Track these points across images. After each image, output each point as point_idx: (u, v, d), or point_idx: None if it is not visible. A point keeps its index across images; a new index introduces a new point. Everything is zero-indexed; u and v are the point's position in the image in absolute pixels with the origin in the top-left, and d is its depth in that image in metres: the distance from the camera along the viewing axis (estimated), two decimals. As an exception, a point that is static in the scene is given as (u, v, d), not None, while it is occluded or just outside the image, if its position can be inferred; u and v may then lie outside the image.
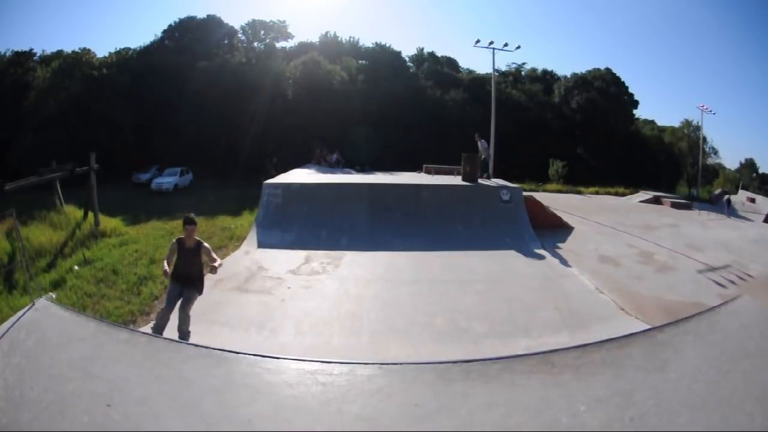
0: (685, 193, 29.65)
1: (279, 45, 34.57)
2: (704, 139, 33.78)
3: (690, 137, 35.80)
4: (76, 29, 63.14)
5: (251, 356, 3.34)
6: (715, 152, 39.69)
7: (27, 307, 3.73)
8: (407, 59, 36.44)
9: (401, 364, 3.35)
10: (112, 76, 28.62)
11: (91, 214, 11.86)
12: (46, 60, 29.95)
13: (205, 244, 4.96)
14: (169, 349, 3.40)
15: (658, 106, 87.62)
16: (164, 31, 33.74)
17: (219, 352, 3.42)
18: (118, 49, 32.19)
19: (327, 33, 35.86)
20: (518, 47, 21.55)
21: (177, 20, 33.88)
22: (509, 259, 8.34)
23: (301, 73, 29.30)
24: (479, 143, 13.81)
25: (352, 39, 35.75)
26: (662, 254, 9.37)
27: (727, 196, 22.10)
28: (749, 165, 47.45)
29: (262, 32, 34.71)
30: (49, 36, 67.11)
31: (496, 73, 25.24)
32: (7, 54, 30.08)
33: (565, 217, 12.02)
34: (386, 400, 2.83)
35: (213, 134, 27.20)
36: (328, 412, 2.72)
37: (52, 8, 58.83)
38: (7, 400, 2.62)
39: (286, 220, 9.62)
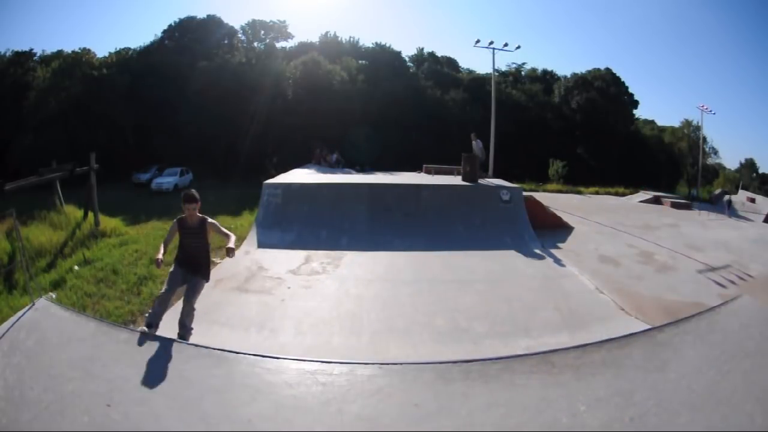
0: (685, 193, 29.64)
1: (279, 45, 34.64)
2: (704, 139, 33.80)
3: (690, 137, 35.84)
4: (76, 29, 63.24)
5: (251, 356, 3.35)
6: (715, 152, 39.77)
7: (27, 307, 3.74)
8: (407, 59, 36.48)
9: (401, 364, 3.35)
10: (112, 76, 28.65)
11: (91, 214, 11.86)
12: (46, 60, 29.97)
13: (211, 220, 4.44)
14: (169, 349, 3.40)
15: (658, 106, 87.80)
16: (164, 31, 33.81)
17: (219, 352, 3.42)
18: (118, 49, 32.28)
19: (327, 33, 35.92)
20: (518, 47, 21.60)
21: (177, 20, 33.97)
22: (509, 259, 8.34)
23: (301, 73, 29.31)
24: (474, 143, 13.81)
25: (352, 39, 35.80)
26: (662, 254, 9.37)
27: (728, 197, 22.10)
28: (749, 165, 47.49)
29: (262, 32, 34.74)
30: (49, 36, 67.22)
31: (496, 73, 25.25)
32: (7, 54, 30.12)
33: (565, 217, 12.02)
34: (386, 400, 2.83)
35: (213, 134, 27.22)
36: (328, 412, 2.72)
37: (52, 8, 58.95)
38: (7, 400, 2.63)
39: (286, 220, 9.62)
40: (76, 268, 8.10)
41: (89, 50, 30.25)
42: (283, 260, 7.72)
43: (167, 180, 23.43)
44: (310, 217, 9.64)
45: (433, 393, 2.91)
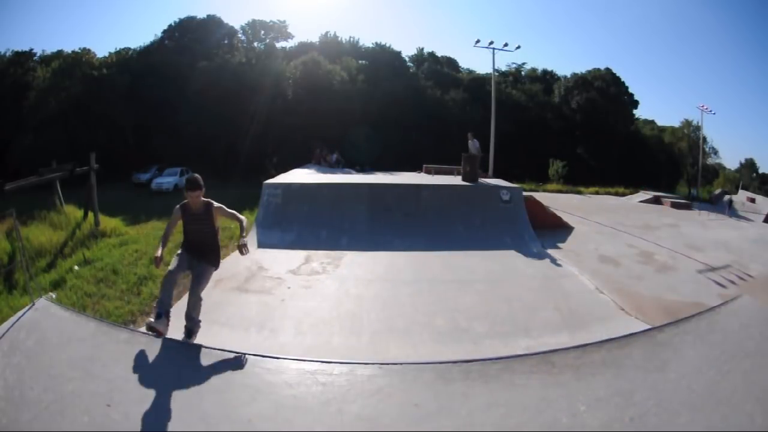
0: (685, 193, 29.65)
1: (279, 45, 34.63)
2: (704, 139, 33.80)
3: (690, 137, 35.82)
4: (76, 29, 63.25)
5: (251, 356, 3.35)
6: (715, 152, 39.75)
7: (27, 307, 3.74)
8: (407, 59, 36.48)
9: (401, 364, 3.35)
10: (112, 76, 28.65)
11: (91, 214, 11.86)
12: (46, 60, 29.97)
13: (217, 204, 4.13)
14: (169, 349, 3.40)
15: (658, 106, 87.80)
16: (164, 31, 33.81)
17: (219, 352, 3.43)
18: (118, 49, 32.28)
19: (327, 33, 35.92)
20: (518, 47, 21.60)
21: (177, 20, 33.97)
22: (509, 259, 8.34)
23: (301, 73, 29.31)
24: (470, 142, 13.81)
25: (352, 39, 35.80)
26: (662, 254, 9.37)
27: (728, 197, 22.12)
28: (749, 165, 47.49)
29: (262, 32, 34.73)
30: (49, 36, 67.23)
31: (496, 73, 25.25)
32: (7, 54, 30.12)
33: (565, 217, 12.02)
34: (386, 400, 2.83)
35: (213, 134, 27.22)
36: (328, 412, 2.72)
37: (52, 8, 58.95)
38: (7, 400, 2.63)
39: (286, 220, 9.62)
40: (76, 268, 8.10)
41: (89, 50, 30.26)
42: (283, 260, 7.72)
43: (167, 180, 23.44)
44: (310, 217, 9.64)
45: (433, 393, 2.91)
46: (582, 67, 57.80)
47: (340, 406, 2.77)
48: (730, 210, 18.74)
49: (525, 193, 11.33)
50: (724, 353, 3.19)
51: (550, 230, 10.63)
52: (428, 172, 17.23)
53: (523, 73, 39.81)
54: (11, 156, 24.74)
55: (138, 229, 12.21)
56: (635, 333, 3.84)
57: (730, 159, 69.62)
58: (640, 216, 14.42)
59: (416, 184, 11.22)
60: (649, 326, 4.59)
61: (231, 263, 7.37)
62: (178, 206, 4.08)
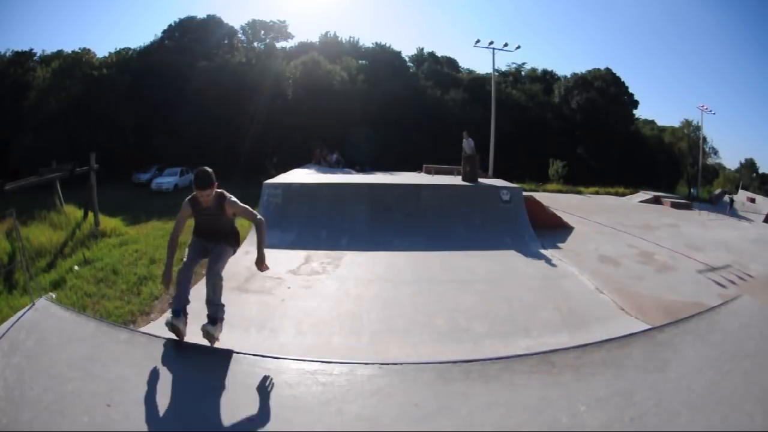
0: (685, 193, 29.65)
1: (279, 45, 34.67)
2: (704, 139, 33.81)
3: (690, 137, 35.82)
4: (76, 29, 63.24)
5: (251, 356, 3.34)
6: (715, 152, 39.77)
7: (27, 307, 3.73)
8: (407, 59, 36.50)
9: (401, 364, 3.35)
10: (112, 76, 28.66)
11: (91, 214, 11.86)
12: (46, 60, 29.98)
13: (230, 198, 3.65)
14: (169, 349, 3.40)
15: (658, 106, 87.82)
16: (164, 31, 33.82)
17: (219, 351, 3.42)
18: (118, 49, 32.30)
19: (327, 33, 35.94)
20: (518, 47, 21.65)
21: (177, 20, 33.99)
22: (509, 259, 8.34)
23: (301, 73, 29.32)
24: (465, 141, 13.80)
25: (352, 39, 35.82)
26: (662, 254, 9.37)
27: (729, 196, 22.14)
28: (749, 165, 47.48)
29: (262, 32, 34.76)
30: (49, 36, 67.23)
31: (496, 73, 25.27)
32: (7, 54, 30.13)
33: (565, 217, 12.02)
34: (386, 400, 2.83)
35: (213, 134, 27.22)
36: (328, 412, 2.72)
37: (52, 8, 58.92)
38: (7, 400, 2.63)
39: (286, 220, 9.61)
40: (76, 268, 8.10)
41: (89, 50, 30.29)
42: (283, 260, 7.71)
43: (167, 180, 23.45)
44: (310, 217, 9.64)
45: (433, 393, 2.91)
46: (582, 67, 57.80)
47: (340, 406, 2.77)
48: (731, 209, 18.77)
49: (525, 193, 11.33)
50: (724, 353, 3.19)
51: (550, 230, 10.63)
52: (428, 172, 17.24)
53: (523, 73, 39.81)
54: (11, 156, 24.75)
55: (138, 229, 12.21)
56: (635, 333, 3.83)
57: (730, 159, 69.72)
58: (640, 216, 14.42)
59: (416, 184, 11.22)
60: (649, 326, 4.59)
61: (231, 263, 7.34)
62: (186, 200, 3.66)
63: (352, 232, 9.32)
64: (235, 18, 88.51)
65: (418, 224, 9.66)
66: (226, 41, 33.58)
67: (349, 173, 18.41)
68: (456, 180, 12.55)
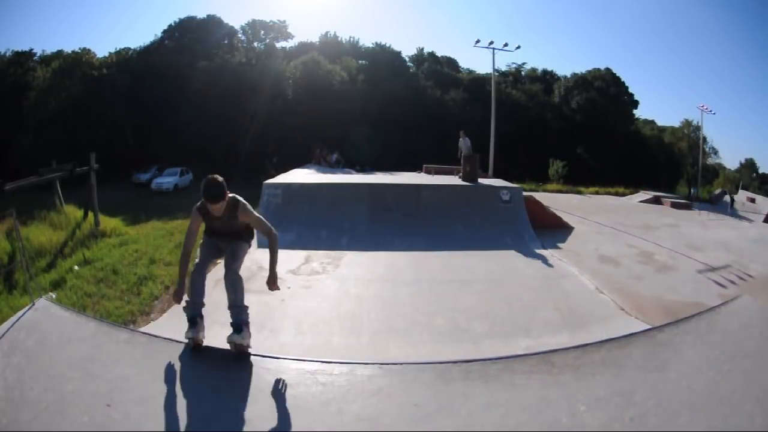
0: (685, 193, 29.65)
1: (279, 45, 34.70)
2: (704, 139, 33.79)
3: (690, 137, 35.80)
4: (76, 29, 63.27)
5: (251, 356, 3.34)
6: (715, 152, 39.74)
7: (27, 307, 3.73)
8: (407, 59, 36.52)
9: (401, 364, 3.35)
10: (112, 76, 28.68)
11: (91, 214, 11.86)
12: (46, 60, 30.00)
13: (244, 206, 3.37)
14: (169, 349, 3.40)
15: (658, 106, 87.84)
16: (164, 31, 33.86)
17: (219, 352, 3.42)
18: (118, 49, 32.34)
19: (327, 33, 35.97)
20: (518, 47, 21.64)
21: (177, 20, 34.02)
22: (509, 259, 8.34)
23: (301, 73, 29.33)
24: (461, 140, 13.82)
25: (352, 39, 35.84)
26: (662, 254, 9.37)
27: (730, 195, 22.19)
28: (749, 165, 47.50)
29: (262, 32, 34.77)
30: (49, 36, 67.27)
31: (496, 73, 25.26)
32: (7, 54, 30.15)
33: (565, 217, 12.02)
34: (386, 400, 2.83)
35: (213, 134, 27.24)
36: (328, 412, 2.72)
37: (52, 8, 58.95)
38: (7, 400, 2.62)
39: (286, 220, 9.60)
40: (76, 268, 8.11)
41: (89, 50, 30.31)
42: (283, 260, 7.64)
43: (167, 180, 23.46)
44: (310, 217, 9.64)
45: (433, 393, 2.91)
46: (582, 67, 57.83)
47: (340, 406, 2.77)
48: (731, 209, 18.80)
49: (525, 193, 11.34)
50: (724, 353, 3.19)
51: (550, 230, 10.63)
52: (428, 172, 17.25)
53: (523, 73, 39.83)
54: (11, 156, 24.76)
55: (138, 229, 12.22)
56: (635, 333, 3.83)
57: (730, 159, 69.68)
58: (640, 216, 14.42)
59: (416, 184, 11.23)
60: (649, 326, 4.60)
61: (231, 263, 7.35)
62: (195, 209, 3.40)
63: (352, 232, 9.32)
64: (235, 18, 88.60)
65: (418, 224, 9.66)
66: (226, 41, 33.60)
67: (349, 173, 18.41)
68: (456, 180, 12.55)
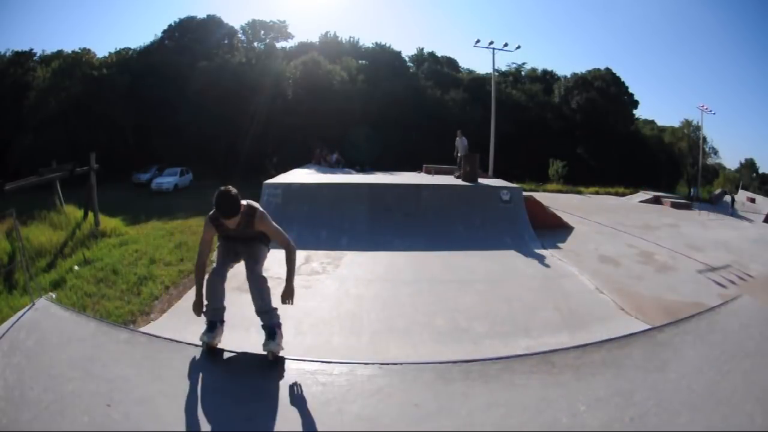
0: (685, 193, 29.65)
1: (279, 45, 34.72)
2: (704, 139, 33.80)
3: (690, 137, 35.82)
4: (76, 29, 63.33)
5: (251, 356, 3.34)
6: (715, 152, 39.77)
7: (27, 307, 3.73)
8: (407, 59, 36.54)
9: (401, 364, 3.35)
10: (112, 76, 28.68)
11: (91, 214, 11.87)
12: (46, 60, 30.01)
13: (262, 217, 3.24)
14: (169, 349, 3.40)
15: (658, 106, 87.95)
16: (164, 31, 33.88)
17: (219, 352, 3.42)
18: (118, 49, 32.36)
19: (327, 33, 35.99)
20: (518, 47, 21.67)
21: (177, 20, 34.05)
22: (509, 259, 8.34)
23: (301, 73, 29.33)
24: (458, 139, 13.83)
25: (352, 39, 35.86)
26: (662, 254, 9.37)
27: (731, 195, 22.21)
28: (749, 165, 47.52)
29: (262, 32, 34.79)
30: (49, 36, 67.33)
31: (496, 73, 25.26)
32: (7, 54, 30.17)
33: (565, 217, 12.02)
34: (386, 400, 2.83)
35: (213, 134, 27.25)
36: (328, 412, 2.72)
37: (52, 8, 59.01)
38: (7, 400, 2.62)
39: (286, 220, 9.53)
40: (76, 268, 8.11)
41: (89, 50, 30.33)
42: (283, 260, 7.71)
43: (167, 180, 23.46)
44: (310, 217, 9.64)
45: (433, 393, 2.90)
46: (582, 67, 57.93)
47: (340, 406, 2.77)
48: (732, 209, 18.83)
49: (525, 193, 11.34)
50: (724, 353, 3.19)
51: (550, 230, 10.63)
52: (428, 172, 17.24)
53: (523, 73, 39.85)
54: (11, 156, 24.77)
55: (138, 229, 12.22)
56: (635, 333, 3.83)
57: (730, 159, 69.80)
58: (640, 216, 14.42)
59: (416, 184, 11.23)
60: (649, 326, 4.59)
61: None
62: (208, 220, 3.24)
63: (352, 232, 9.32)
64: (235, 18, 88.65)
65: (418, 224, 9.66)
66: (226, 41, 33.61)
67: (349, 173, 18.41)
68: (456, 180, 12.55)
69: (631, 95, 35.67)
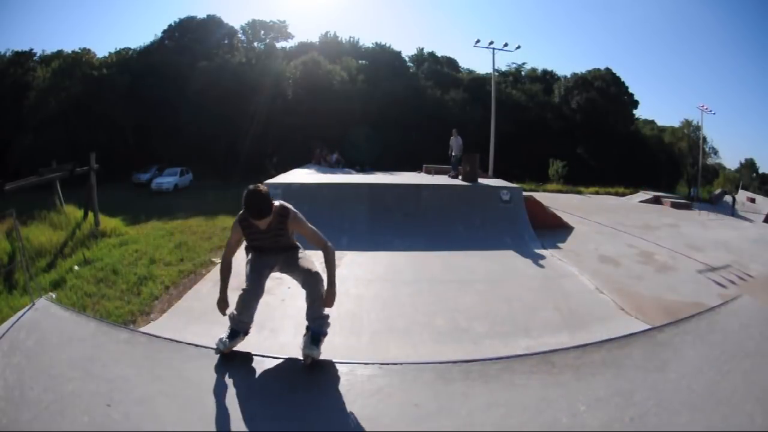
0: (685, 193, 29.66)
1: (279, 45, 34.75)
2: (704, 139, 33.81)
3: (690, 137, 35.84)
4: (76, 29, 63.38)
5: (251, 356, 3.34)
6: (715, 152, 39.81)
7: (27, 307, 3.73)
8: (407, 59, 36.57)
9: (401, 364, 3.34)
10: (112, 76, 28.70)
11: (91, 214, 11.87)
12: (46, 60, 30.03)
13: (294, 215, 3.14)
14: (169, 349, 3.40)
15: (658, 106, 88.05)
16: (164, 31, 33.92)
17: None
18: (118, 49, 32.40)
19: (327, 33, 36.02)
20: (518, 47, 21.68)
21: (177, 20, 34.09)
22: (509, 259, 8.34)
23: (301, 73, 29.34)
24: (453, 138, 13.82)
25: (352, 39, 35.88)
26: (662, 254, 9.37)
27: (732, 195, 22.22)
28: (749, 165, 47.54)
29: (262, 32, 34.81)
30: (49, 36, 67.38)
31: (496, 73, 25.26)
32: (7, 54, 30.20)
33: (565, 217, 12.02)
34: (386, 400, 2.83)
35: (213, 134, 27.26)
36: (327, 411, 2.72)
37: (52, 8, 59.06)
38: (7, 400, 2.62)
39: (286, 220, 9.62)
40: (76, 268, 8.11)
41: (89, 50, 30.37)
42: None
43: (167, 180, 23.47)
44: (309, 217, 9.45)
45: (433, 393, 2.90)
46: (582, 67, 58.01)
47: (340, 406, 2.77)
48: (733, 209, 18.84)
49: (525, 193, 11.34)
50: (724, 353, 3.19)
51: (550, 230, 10.63)
52: (428, 172, 17.24)
53: (523, 73, 39.87)
54: (11, 156, 24.80)
55: (138, 229, 12.22)
56: (635, 333, 3.83)
57: (730, 159, 69.89)
58: (640, 216, 14.42)
59: (416, 184, 11.23)
60: (649, 326, 4.59)
61: (234, 262, 7.36)
62: (236, 222, 3.10)
63: (352, 232, 9.31)
64: (235, 18, 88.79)
65: (418, 224, 9.66)
66: (226, 41, 33.63)
67: (349, 173, 18.40)
68: (456, 180, 12.55)
69: (631, 95, 35.73)
